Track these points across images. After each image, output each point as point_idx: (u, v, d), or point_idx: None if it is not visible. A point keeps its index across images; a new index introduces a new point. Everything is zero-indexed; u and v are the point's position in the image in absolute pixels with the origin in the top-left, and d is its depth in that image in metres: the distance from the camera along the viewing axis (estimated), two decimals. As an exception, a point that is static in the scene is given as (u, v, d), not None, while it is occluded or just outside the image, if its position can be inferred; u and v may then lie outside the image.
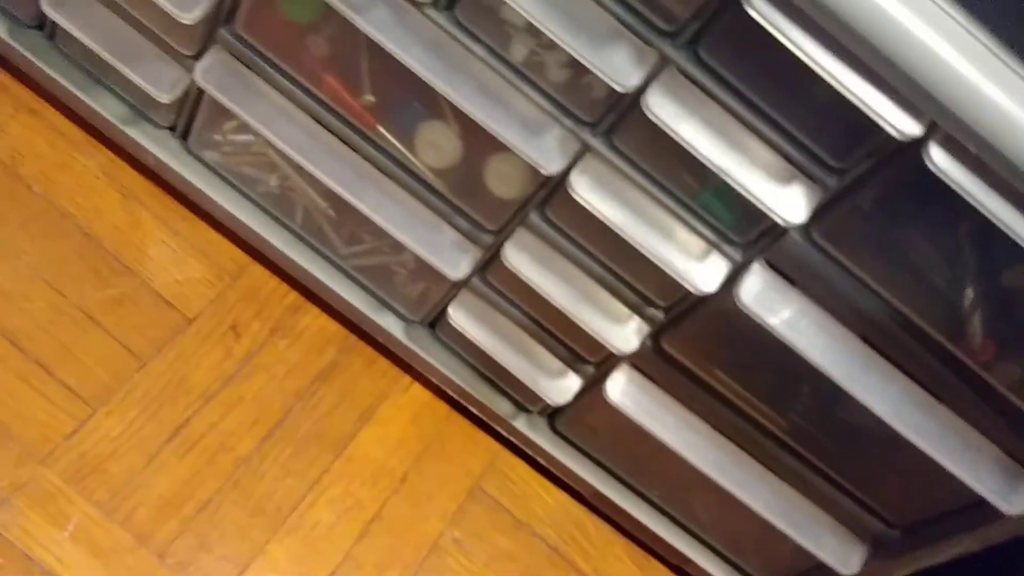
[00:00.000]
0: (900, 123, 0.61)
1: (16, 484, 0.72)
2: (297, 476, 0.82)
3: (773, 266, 0.73)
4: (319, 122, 0.80)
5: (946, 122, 0.59)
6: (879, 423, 0.73)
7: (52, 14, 0.80)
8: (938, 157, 0.61)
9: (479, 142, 0.75)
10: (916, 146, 0.61)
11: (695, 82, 0.66)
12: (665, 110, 0.66)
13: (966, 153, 0.60)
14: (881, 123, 0.61)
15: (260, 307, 0.87)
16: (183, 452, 0.79)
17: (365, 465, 0.85)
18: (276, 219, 0.88)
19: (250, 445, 0.82)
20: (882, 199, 0.67)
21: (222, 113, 0.83)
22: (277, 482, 0.81)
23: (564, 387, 0.86)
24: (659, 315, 0.79)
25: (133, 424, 0.78)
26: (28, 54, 0.84)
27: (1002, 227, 0.62)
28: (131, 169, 0.88)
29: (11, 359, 0.76)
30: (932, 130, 0.61)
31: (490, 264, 0.82)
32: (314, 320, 0.89)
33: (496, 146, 0.73)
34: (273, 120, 0.80)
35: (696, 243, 0.74)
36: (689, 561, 0.92)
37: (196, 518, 0.77)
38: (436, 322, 0.89)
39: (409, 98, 0.76)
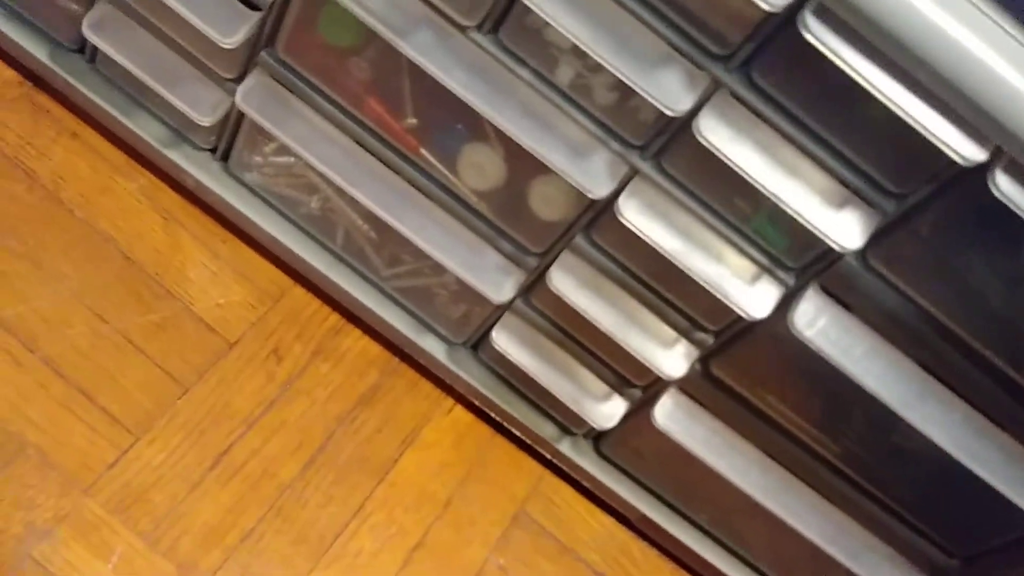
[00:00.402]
0: (964, 148, 0.59)
1: (59, 515, 0.72)
2: (340, 502, 0.81)
3: (828, 291, 0.71)
4: (360, 144, 0.78)
5: (1013, 148, 0.57)
6: (938, 450, 0.71)
7: (92, 38, 0.79)
8: (1003, 183, 0.59)
9: (524, 165, 0.73)
10: (980, 171, 0.59)
11: (748, 106, 0.64)
12: (717, 134, 0.64)
13: (1034, 179, 0.58)
14: (944, 148, 0.59)
15: (301, 330, 0.87)
16: (226, 479, 0.78)
17: (408, 490, 0.84)
18: (317, 241, 0.87)
19: (293, 471, 0.81)
20: (943, 224, 0.65)
21: (263, 135, 0.82)
22: (320, 509, 0.80)
23: (610, 411, 0.84)
24: (708, 339, 0.77)
25: (176, 452, 0.77)
26: (69, 78, 0.84)
27: (1071, 254, 0.59)
28: (172, 191, 0.88)
29: (52, 386, 0.76)
30: (997, 155, 0.58)
31: (535, 287, 0.80)
32: (356, 342, 0.88)
33: (541, 168, 0.71)
34: (314, 142, 0.79)
35: (748, 267, 0.72)
36: (737, 586, 0.90)
37: (239, 548, 0.76)
38: (479, 344, 0.87)
39: (452, 121, 0.75)
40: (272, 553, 0.77)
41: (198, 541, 0.75)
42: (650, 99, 0.63)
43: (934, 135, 0.58)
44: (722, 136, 0.64)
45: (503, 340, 0.84)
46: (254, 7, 0.74)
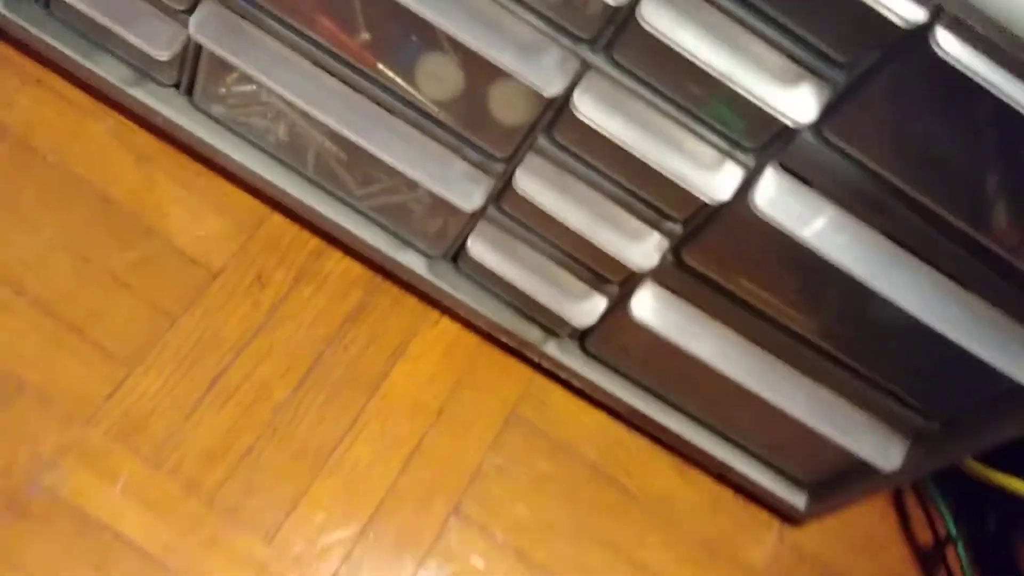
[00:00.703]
0: (903, 10, 0.59)
1: (64, 446, 0.75)
2: (334, 418, 0.84)
3: (787, 169, 0.71)
4: (319, 65, 0.79)
5: (951, 5, 0.57)
6: (909, 318, 0.73)
7: (41, -19, 0.80)
8: (946, 42, 0.59)
9: (479, 70, 0.74)
10: (922, 33, 0.59)
11: (689, -13, 0.64)
12: (661, 19, 0.65)
13: (975, 35, 0.58)
14: (883, 12, 0.59)
15: (282, 256, 0.88)
16: (221, 404, 0.81)
17: (400, 402, 0.86)
18: (290, 167, 0.88)
19: (285, 392, 0.83)
20: (893, 91, 0.65)
21: (223, 66, 0.83)
22: (315, 426, 0.83)
23: (589, 309, 0.86)
24: (677, 228, 0.78)
25: (169, 380, 0.80)
26: (26, 24, 0.85)
27: (1018, 108, 0.60)
28: (141, 130, 0.89)
29: (44, 327, 0.78)
30: (937, 14, 0.59)
31: (504, 193, 0.81)
32: (337, 264, 0.90)
33: (497, 73, 0.72)
34: (272, 68, 0.79)
35: (707, 152, 0.73)
36: (731, 468, 0.92)
37: (240, 465, 0.79)
38: (458, 256, 0.89)
39: (405, 32, 0.75)
40: (272, 468, 0.80)
41: (200, 461, 0.78)
42: (590, -11, 0.63)
43: (872, -1, 0.59)
44: (666, 21, 0.65)
45: (478, 248, 0.85)
46: (197, -65, 0.74)
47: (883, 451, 0.84)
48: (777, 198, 0.71)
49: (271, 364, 0.84)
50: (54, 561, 0.71)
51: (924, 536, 0.99)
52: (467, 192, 0.81)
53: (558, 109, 0.74)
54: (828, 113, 0.67)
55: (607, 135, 0.72)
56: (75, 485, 0.73)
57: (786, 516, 0.94)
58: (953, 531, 0.97)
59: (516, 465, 0.88)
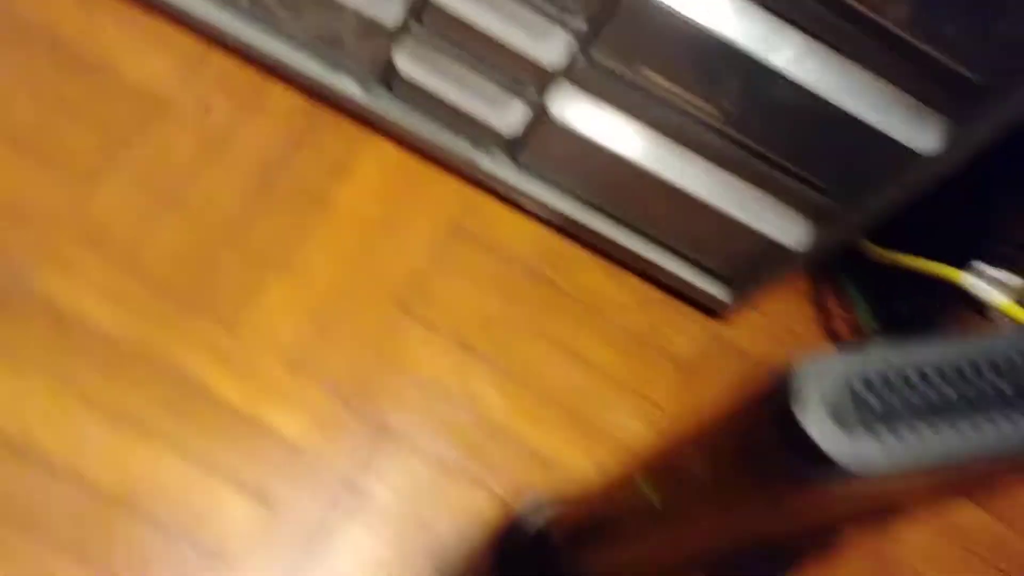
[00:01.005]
0: None
1: (36, 256, 0.82)
2: (283, 230, 0.91)
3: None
4: None
5: None
6: (801, 92, 0.79)
7: None
8: None
9: None
10: None
11: None
12: None
13: None
14: None
15: (225, 88, 0.94)
16: (177, 216, 0.88)
17: (344, 216, 0.93)
18: (226, 4, 0.94)
19: (236, 206, 0.90)
20: None
21: (155, -94, 0.89)
22: (265, 235, 0.90)
23: (513, 115, 0.93)
24: (582, 25, 0.85)
25: (127, 198, 0.87)
26: None
27: None
28: (85, -21, 0.95)
29: (3, 154, 0.85)
30: None
31: (422, 5, 0.88)
32: (278, 94, 0.96)
33: None
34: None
35: (602, -56, 0.79)
36: (657, 267, 1.00)
37: (199, 269, 0.86)
38: (391, 80, 0.95)
39: None
40: (228, 269, 0.87)
41: (162, 265, 0.86)
42: None
43: None
44: None
45: (405, 64, 0.91)
46: None
47: (788, 230, 0.92)
48: (667, -21, 0.78)
49: (221, 183, 0.90)
50: (30, 353, 0.78)
51: (842, 329, 1.07)
52: (386, 6, 0.87)
53: (463, -86, 0.80)
54: None
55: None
56: (50, 287, 0.81)
57: (711, 312, 1.02)
58: (868, 321, 1.06)
59: (456, 270, 0.95)
